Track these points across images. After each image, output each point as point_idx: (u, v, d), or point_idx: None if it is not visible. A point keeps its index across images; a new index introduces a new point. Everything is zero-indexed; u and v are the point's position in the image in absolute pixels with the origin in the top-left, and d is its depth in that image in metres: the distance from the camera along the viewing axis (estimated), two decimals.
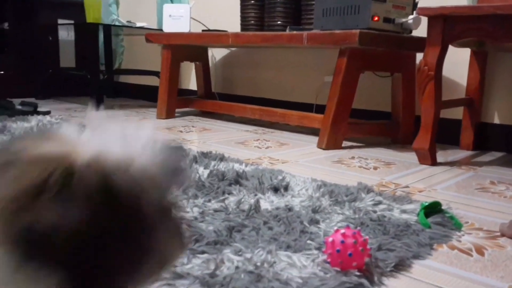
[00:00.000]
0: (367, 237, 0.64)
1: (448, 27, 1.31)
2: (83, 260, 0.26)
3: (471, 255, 0.73)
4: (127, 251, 0.27)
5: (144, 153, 0.28)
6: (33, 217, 0.25)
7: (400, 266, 0.66)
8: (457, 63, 1.70)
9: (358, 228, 0.78)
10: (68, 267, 0.26)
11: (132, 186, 0.26)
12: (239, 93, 2.46)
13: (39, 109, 2.09)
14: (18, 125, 1.69)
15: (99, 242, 0.26)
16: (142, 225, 0.27)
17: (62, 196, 0.25)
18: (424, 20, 1.42)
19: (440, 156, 1.50)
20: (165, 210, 0.29)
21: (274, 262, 0.64)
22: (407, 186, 1.13)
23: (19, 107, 2.09)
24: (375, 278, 0.61)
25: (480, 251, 0.75)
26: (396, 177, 1.23)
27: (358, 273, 0.61)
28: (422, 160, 1.41)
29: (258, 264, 0.63)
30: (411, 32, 1.65)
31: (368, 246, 0.63)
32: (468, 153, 1.63)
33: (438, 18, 1.31)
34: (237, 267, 0.62)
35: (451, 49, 1.39)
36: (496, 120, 1.68)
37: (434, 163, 1.39)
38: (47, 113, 2.08)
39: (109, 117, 0.31)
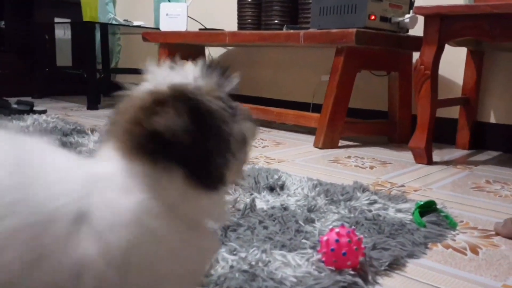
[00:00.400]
0: (361, 236, 0.64)
1: (445, 26, 1.31)
2: (194, 152, 0.36)
3: (466, 254, 0.73)
4: (219, 139, 0.38)
5: (210, 80, 0.41)
6: (161, 120, 0.35)
7: (395, 265, 0.67)
8: (454, 62, 1.70)
9: (353, 227, 0.78)
10: (186, 158, 0.36)
11: (212, 99, 0.39)
12: (235, 92, 2.46)
13: (35, 108, 2.08)
14: (14, 124, 1.69)
15: (202, 138, 0.37)
16: (224, 122, 0.39)
17: (177, 108, 0.36)
18: (421, 19, 1.42)
19: (436, 155, 1.50)
20: (234, 108, 0.41)
21: (269, 261, 0.64)
22: (403, 185, 1.13)
23: (15, 106, 2.08)
24: (370, 277, 0.61)
25: (474, 250, 0.75)
26: (392, 176, 1.23)
27: (352, 272, 0.61)
28: (418, 159, 1.41)
29: (253, 263, 0.63)
30: (407, 31, 1.66)
31: (362, 245, 0.63)
32: (464, 152, 1.63)
33: (434, 17, 1.31)
34: (231, 266, 0.62)
35: (447, 48, 1.39)
36: (492, 120, 1.69)
37: (430, 162, 1.40)
38: (43, 112, 2.07)
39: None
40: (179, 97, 0.37)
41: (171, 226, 0.36)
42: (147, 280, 0.35)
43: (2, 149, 0.33)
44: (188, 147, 0.36)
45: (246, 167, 0.45)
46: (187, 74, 0.41)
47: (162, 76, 0.40)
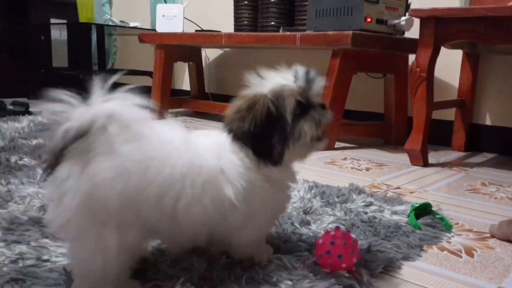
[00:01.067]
0: (357, 238, 0.64)
1: (440, 29, 1.31)
2: (261, 142, 0.57)
3: (461, 257, 0.73)
4: (279, 135, 0.57)
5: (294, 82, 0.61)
6: (239, 125, 0.57)
7: (390, 267, 0.66)
8: (450, 64, 1.71)
9: (349, 229, 0.78)
10: (255, 145, 0.57)
11: (288, 102, 0.58)
12: (233, 93, 2.44)
13: (30, 109, 2.07)
14: (9, 125, 1.68)
15: (267, 134, 0.57)
16: (287, 123, 0.58)
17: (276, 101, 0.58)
18: (417, 22, 1.42)
19: (432, 157, 1.50)
20: (308, 107, 0.59)
21: (265, 264, 0.63)
22: (398, 187, 1.13)
23: (11, 107, 2.07)
24: (365, 279, 0.61)
25: (469, 252, 0.75)
26: (388, 178, 1.23)
27: (347, 275, 0.61)
28: (414, 161, 1.41)
29: (248, 265, 0.63)
30: (403, 33, 1.66)
31: (358, 248, 0.63)
32: (460, 154, 1.64)
33: (430, 19, 1.32)
34: (227, 269, 0.61)
35: (443, 50, 1.40)
36: (488, 122, 1.70)
37: (426, 164, 1.40)
38: (39, 113, 2.06)
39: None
40: (258, 103, 0.57)
41: (258, 178, 0.57)
42: (252, 209, 0.57)
43: (177, 132, 0.56)
44: (255, 139, 0.56)
45: (311, 155, 0.62)
46: (279, 79, 0.60)
47: (261, 81, 0.60)
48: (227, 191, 0.54)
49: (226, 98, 2.42)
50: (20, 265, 0.62)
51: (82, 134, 0.49)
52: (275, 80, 0.60)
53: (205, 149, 0.56)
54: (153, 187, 0.50)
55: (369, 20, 1.53)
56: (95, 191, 0.48)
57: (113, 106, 0.51)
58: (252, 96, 0.59)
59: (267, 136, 0.57)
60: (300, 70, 0.61)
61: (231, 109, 0.60)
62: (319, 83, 0.61)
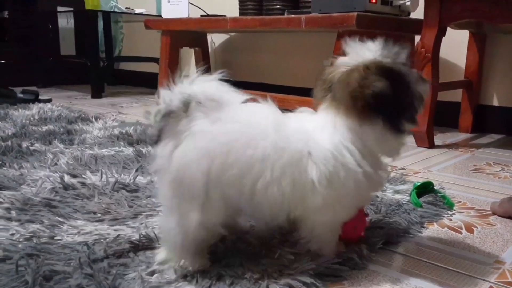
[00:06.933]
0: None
1: (445, 9, 1.30)
2: (394, 107, 0.55)
3: (461, 233, 0.74)
4: (410, 96, 0.56)
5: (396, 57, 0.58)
6: (374, 90, 0.54)
7: (390, 242, 0.68)
8: (456, 45, 1.69)
9: None
10: (386, 112, 0.55)
11: (401, 68, 0.57)
12: (239, 78, 2.46)
13: (40, 97, 2.10)
14: (19, 113, 1.71)
15: (399, 96, 0.55)
16: (412, 82, 0.57)
17: (381, 78, 0.55)
18: (422, 2, 1.41)
19: (439, 139, 1.50)
20: (412, 76, 0.58)
21: (267, 237, 0.65)
22: (403, 168, 1.14)
23: (21, 95, 2.10)
24: (365, 253, 0.63)
25: (469, 229, 0.76)
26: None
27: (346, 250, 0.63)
28: (419, 143, 1.41)
29: (255, 242, 0.65)
30: (409, 14, 1.64)
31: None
32: (467, 135, 1.63)
33: None
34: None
35: (449, 31, 1.38)
36: (495, 103, 1.68)
37: (431, 145, 1.40)
38: (48, 101, 2.09)
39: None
40: (381, 68, 0.55)
41: (358, 162, 0.56)
42: (334, 194, 0.56)
43: (267, 114, 0.56)
44: (389, 104, 0.54)
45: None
46: (373, 48, 0.57)
47: (359, 51, 0.57)
48: (310, 173, 0.55)
49: (232, 84, 2.43)
50: (35, 241, 0.65)
51: (171, 114, 0.53)
52: (370, 50, 0.58)
53: (294, 132, 0.56)
54: (235, 168, 0.53)
55: (374, 1, 1.52)
56: (182, 171, 0.53)
57: (210, 87, 0.55)
58: (371, 62, 0.56)
59: (403, 98, 0.55)
60: (387, 41, 0.59)
61: (343, 80, 0.56)
62: (406, 51, 0.59)
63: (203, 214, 0.54)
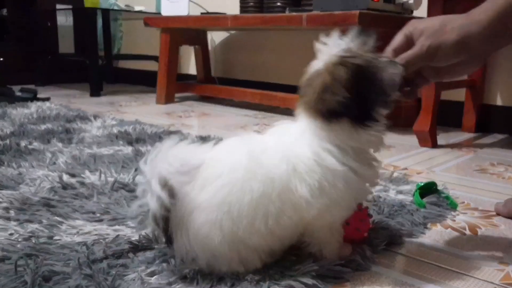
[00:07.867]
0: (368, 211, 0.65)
1: (448, 7, 1.29)
2: (358, 103, 0.53)
3: (464, 234, 0.73)
4: (375, 87, 0.54)
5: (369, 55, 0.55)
6: (332, 98, 0.53)
7: (393, 244, 0.67)
8: None
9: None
10: (352, 109, 0.53)
11: (367, 60, 0.55)
12: (239, 77, 2.45)
13: (38, 96, 2.09)
14: (18, 112, 1.70)
15: (362, 91, 0.53)
16: (376, 73, 0.54)
17: (342, 76, 0.53)
18: (425, 1, 1.40)
19: (442, 139, 1.49)
20: (380, 63, 0.56)
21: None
22: (405, 168, 1.13)
23: (19, 93, 2.09)
24: (368, 255, 0.62)
25: (473, 229, 0.75)
26: (395, 159, 1.23)
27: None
28: (422, 143, 1.40)
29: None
30: (412, 12, 1.63)
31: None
32: (470, 135, 1.62)
33: None
34: None
35: None
36: (499, 102, 1.67)
37: (434, 145, 1.39)
38: (47, 99, 2.08)
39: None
40: (344, 68, 0.53)
41: (341, 160, 0.54)
42: (328, 200, 0.55)
43: (241, 154, 0.55)
44: (352, 106, 0.53)
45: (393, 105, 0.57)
46: (340, 43, 0.56)
47: (327, 49, 0.56)
48: (301, 191, 0.54)
49: (233, 82, 2.42)
50: (33, 241, 0.64)
51: (167, 209, 0.53)
52: (336, 46, 0.56)
53: (274, 154, 0.55)
54: (244, 219, 0.53)
55: None
56: (208, 250, 0.55)
57: (162, 173, 0.53)
58: (335, 62, 0.54)
59: (365, 95, 0.53)
60: (353, 32, 0.57)
61: (308, 89, 0.56)
62: (372, 38, 0.57)
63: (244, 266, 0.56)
